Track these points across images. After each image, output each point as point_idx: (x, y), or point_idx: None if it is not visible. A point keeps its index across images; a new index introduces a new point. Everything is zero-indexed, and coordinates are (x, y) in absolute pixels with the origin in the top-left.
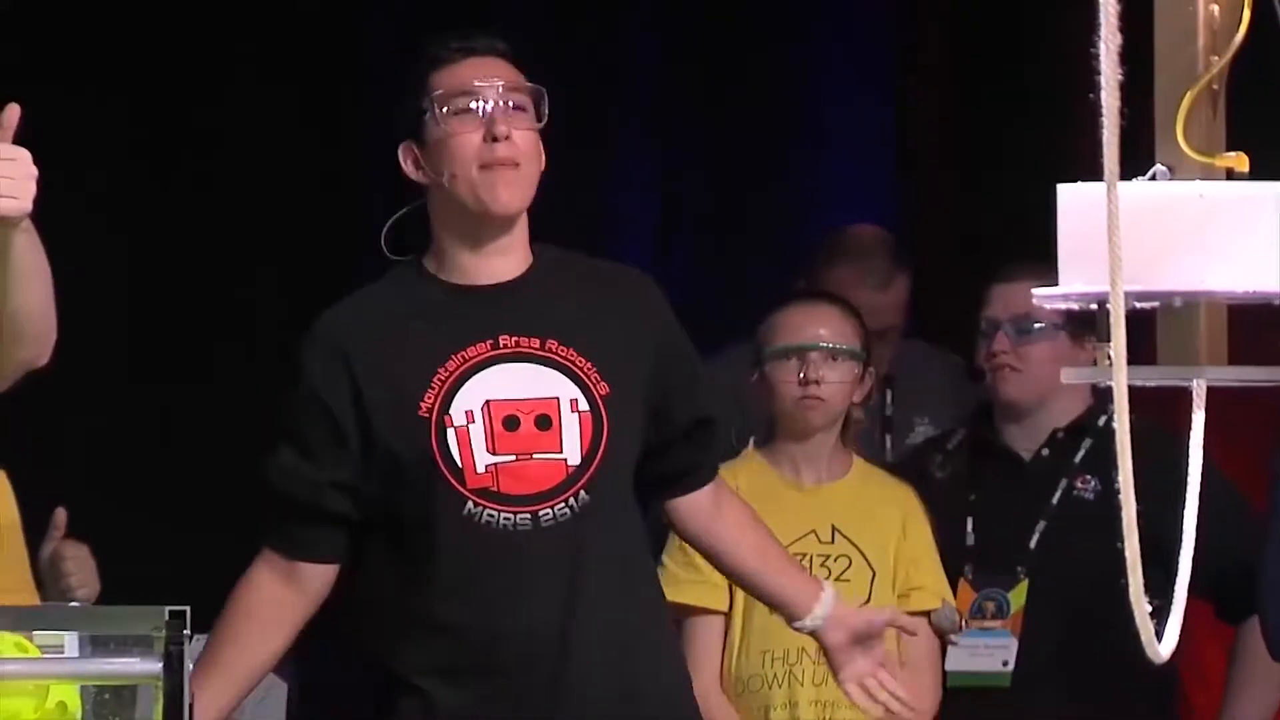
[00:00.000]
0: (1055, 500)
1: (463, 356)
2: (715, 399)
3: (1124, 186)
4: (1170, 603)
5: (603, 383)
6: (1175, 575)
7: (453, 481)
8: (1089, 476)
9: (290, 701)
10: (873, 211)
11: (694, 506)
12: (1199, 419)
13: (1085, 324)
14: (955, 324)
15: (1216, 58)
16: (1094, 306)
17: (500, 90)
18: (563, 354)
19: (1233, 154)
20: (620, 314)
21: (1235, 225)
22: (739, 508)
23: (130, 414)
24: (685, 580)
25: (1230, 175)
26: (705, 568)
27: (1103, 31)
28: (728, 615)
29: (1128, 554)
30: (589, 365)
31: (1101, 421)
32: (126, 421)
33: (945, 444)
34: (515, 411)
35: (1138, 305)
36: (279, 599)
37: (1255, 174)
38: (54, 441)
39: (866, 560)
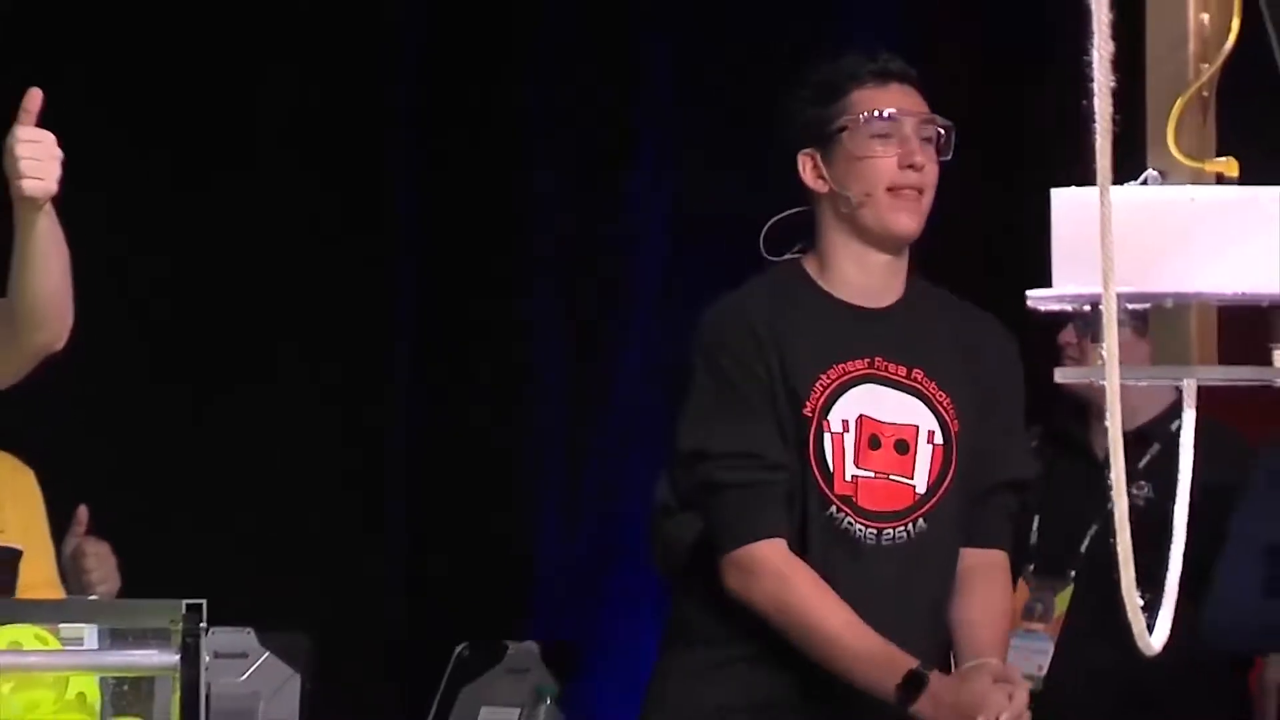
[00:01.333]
0: (1110, 506)
1: (843, 369)
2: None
3: (1116, 191)
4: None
5: (956, 420)
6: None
7: (822, 484)
8: (1144, 483)
9: (303, 693)
10: None
11: (965, 564)
12: (1189, 417)
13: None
14: None
15: (1206, 65)
16: (1088, 308)
17: (918, 122)
18: (928, 386)
19: (1222, 159)
20: (976, 357)
21: (1225, 229)
22: (998, 594)
23: (153, 415)
24: None
25: (1220, 180)
26: None
27: (1095, 40)
28: None
29: (1119, 550)
30: (948, 400)
31: (1174, 426)
32: (149, 422)
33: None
34: (879, 432)
35: (1130, 307)
36: None
37: (1244, 179)
38: (78, 442)
39: None
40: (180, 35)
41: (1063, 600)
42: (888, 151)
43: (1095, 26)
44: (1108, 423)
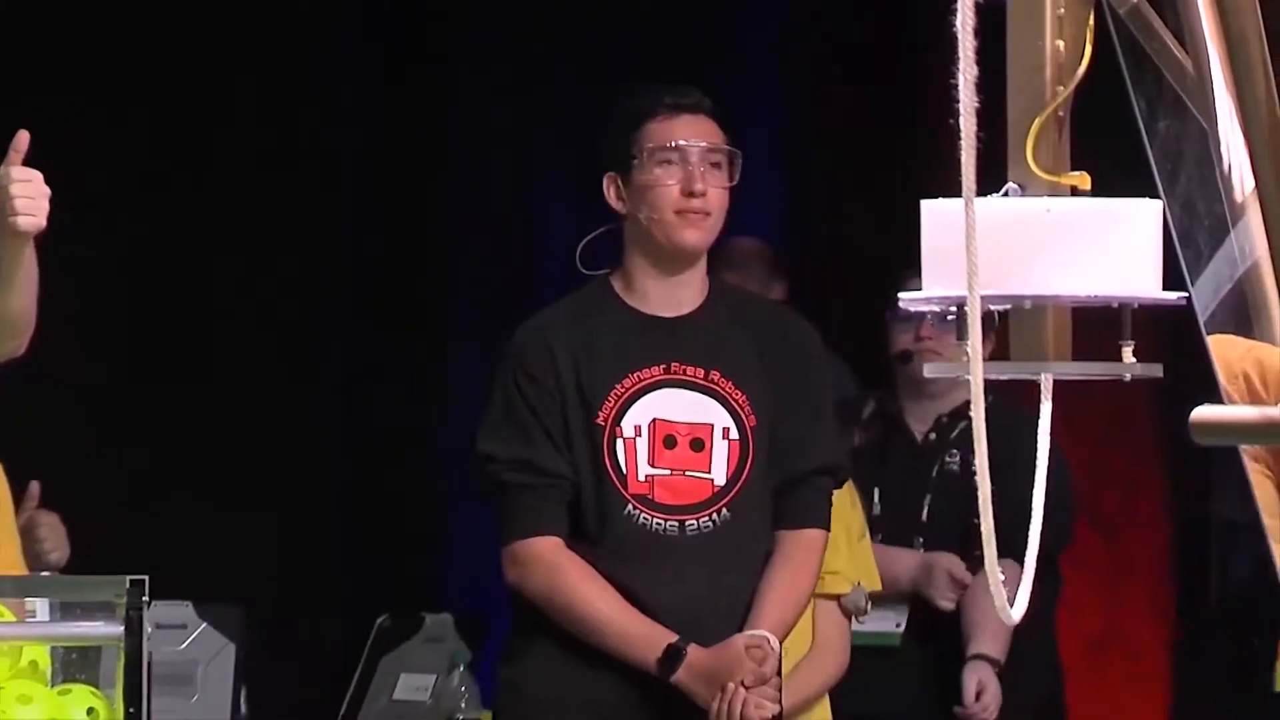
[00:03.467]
0: (934, 475)
1: (638, 377)
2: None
3: (980, 202)
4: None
5: (754, 415)
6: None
7: (616, 485)
8: (955, 451)
9: (238, 660)
10: (761, 223)
11: (775, 544)
12: (1046, 408)
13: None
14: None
15: (1062, 87)
16: (954, 309)
17: (703, 151)
18: (724, 385)
19: (1077, 173)
20: (775, 351)
21: (1079, 237)
22: (797, 571)
23: (101, 403)
24: None
25: (1074, 192)
26: None
27: (961, 64)
28: None
29: (983, 529)
30: (744, 397)
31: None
32: (111, 412)
33: (859, 414)
34: (674, 432)
35: (992, 308)
36: None
37: (1096, 190)
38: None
39: None
40: (147, 43)
41: None
42: (672, 178)
43: (961, 52)
44: (971, 413)
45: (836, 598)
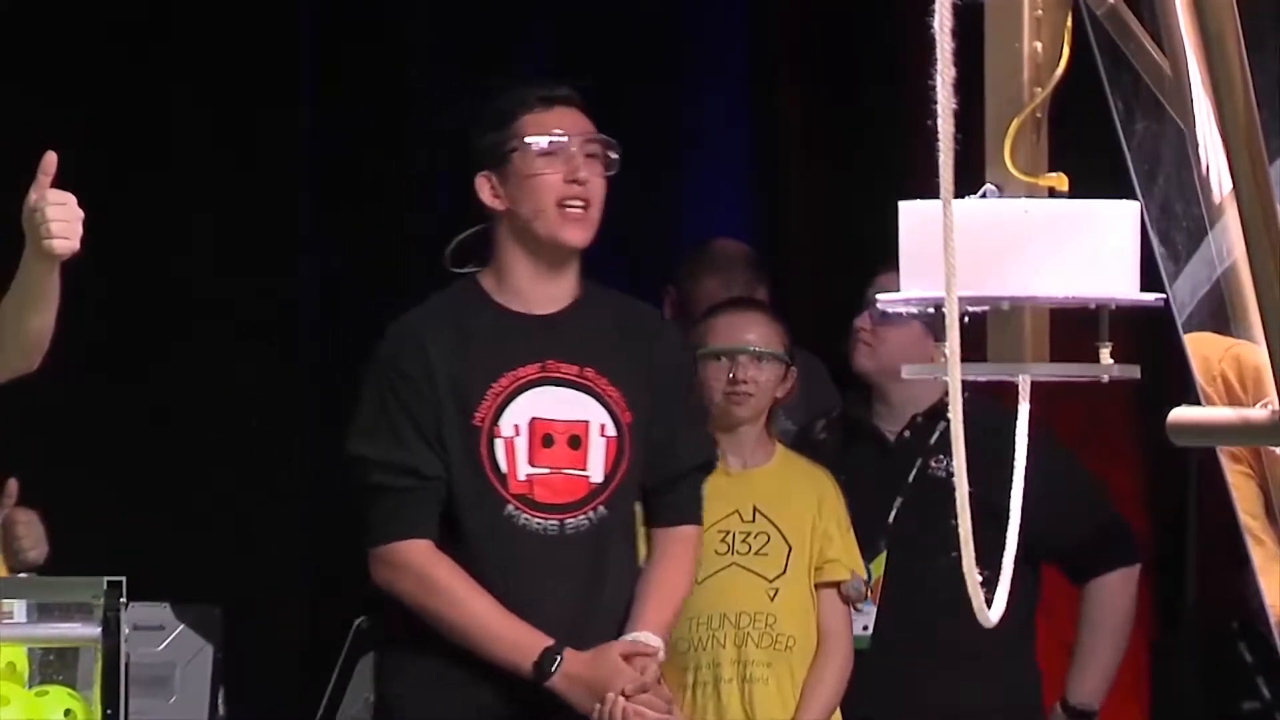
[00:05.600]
0: (911, 479)
1: (514, 376)
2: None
3: (958, 203)
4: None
5: (629, 411)
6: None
7: (497, 486)
8: (943, 456)
9: (216, 662)
10: (736, 222)
11: (652, 543)
12: (1024, 409)
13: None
14: (816, 327)
15: (1040, 89)
16: (932, 310)
17: (582, 140)
18: (599, 382)
19: (1054, 174)
20: (644, 350)
21: (1056, 238)
22: (677, 569)
23: (77, 403)
24: None
25: (1052, 193)
26: (638, 543)
27: (939, 65)
28: None
29: (961, 532)
30: (618, 394)
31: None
32: (75, 411)
33: (823, 422)
34: (551, 430)
35: (970, 309)
36: None
37: (1074, 192)
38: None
39: (783, 536)
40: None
41: (878, 567)
42: (554, 169)
43: (939, 54)
44: (949, 415)
45: (836, 585)
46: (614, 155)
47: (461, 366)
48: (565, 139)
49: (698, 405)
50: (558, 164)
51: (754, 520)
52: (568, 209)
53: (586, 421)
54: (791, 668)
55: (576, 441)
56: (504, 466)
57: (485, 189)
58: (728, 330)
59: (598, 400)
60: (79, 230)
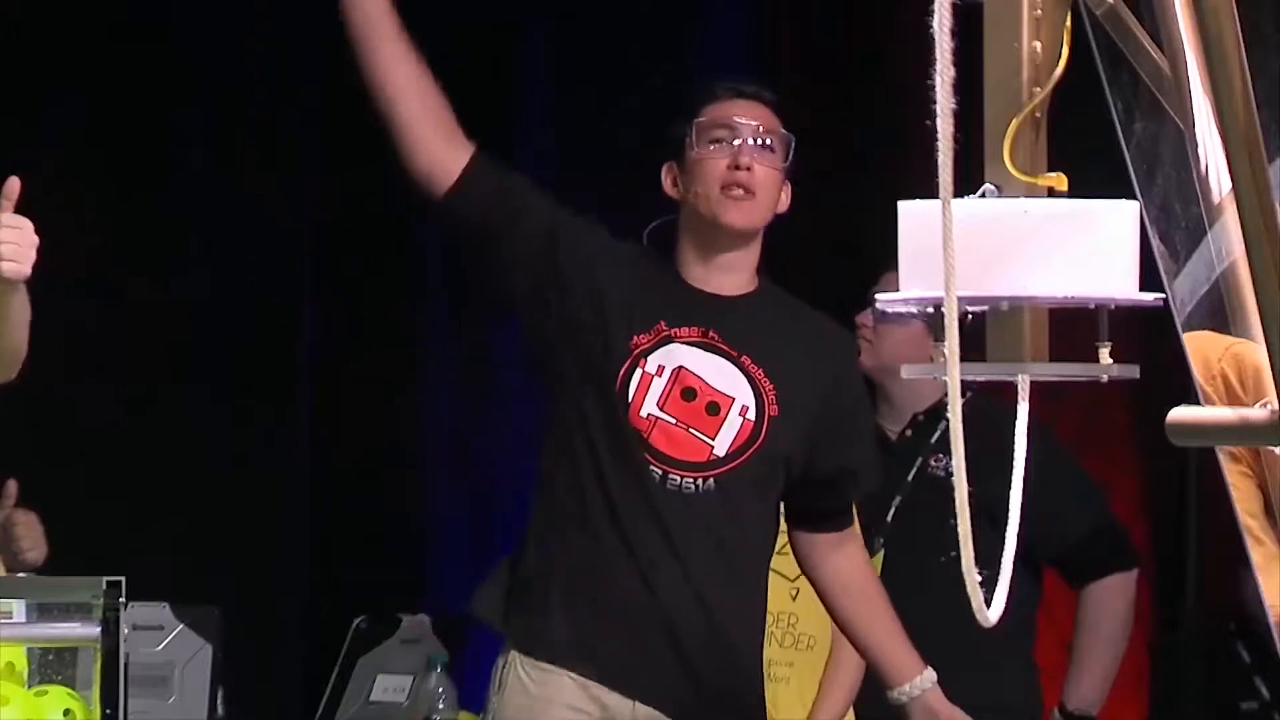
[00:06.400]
0: (911, 477)
1: (677, 331)
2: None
3: (957, 203)
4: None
5: (776, 405)
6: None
7: (619, 412)
8: (942, 455)
9: (215, 662)
10: None
11: (820, 549)
12: (1023, 409)
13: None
14: None
15: (1039, 89)
16: (931, 310)
17: (754, 129)
18: (755, 371)
19: (1053, 174)
20: (811, 356)
21: (1055, 237)
22: (857, 564)
23: (77, 409)
24: None
25: (1051, 193)
26: None
27: (938, 65)
28: None
29: (960, 531)
30: (771, 386)
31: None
32: (75, 416)
33: None
34: (696, 387)
35: (970, 309)
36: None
37: (1073, 191)
38: (12, 432)
39: None
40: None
41: (875, 565)
42: (721, 154)
43: (938, 53)
44: (947, 416)
45: None
46: (788, 149)
47: (637, 293)
48: (737, 125)
49: (869, 431)
50: (725, 149)
51: None
52: (729, 193)
53: (733, 397)
54: (813, 668)
55: (715, 408)
56: (631, 396)
57: (667, 179)
58: None
59: (749, 381)
60: (31, 256)
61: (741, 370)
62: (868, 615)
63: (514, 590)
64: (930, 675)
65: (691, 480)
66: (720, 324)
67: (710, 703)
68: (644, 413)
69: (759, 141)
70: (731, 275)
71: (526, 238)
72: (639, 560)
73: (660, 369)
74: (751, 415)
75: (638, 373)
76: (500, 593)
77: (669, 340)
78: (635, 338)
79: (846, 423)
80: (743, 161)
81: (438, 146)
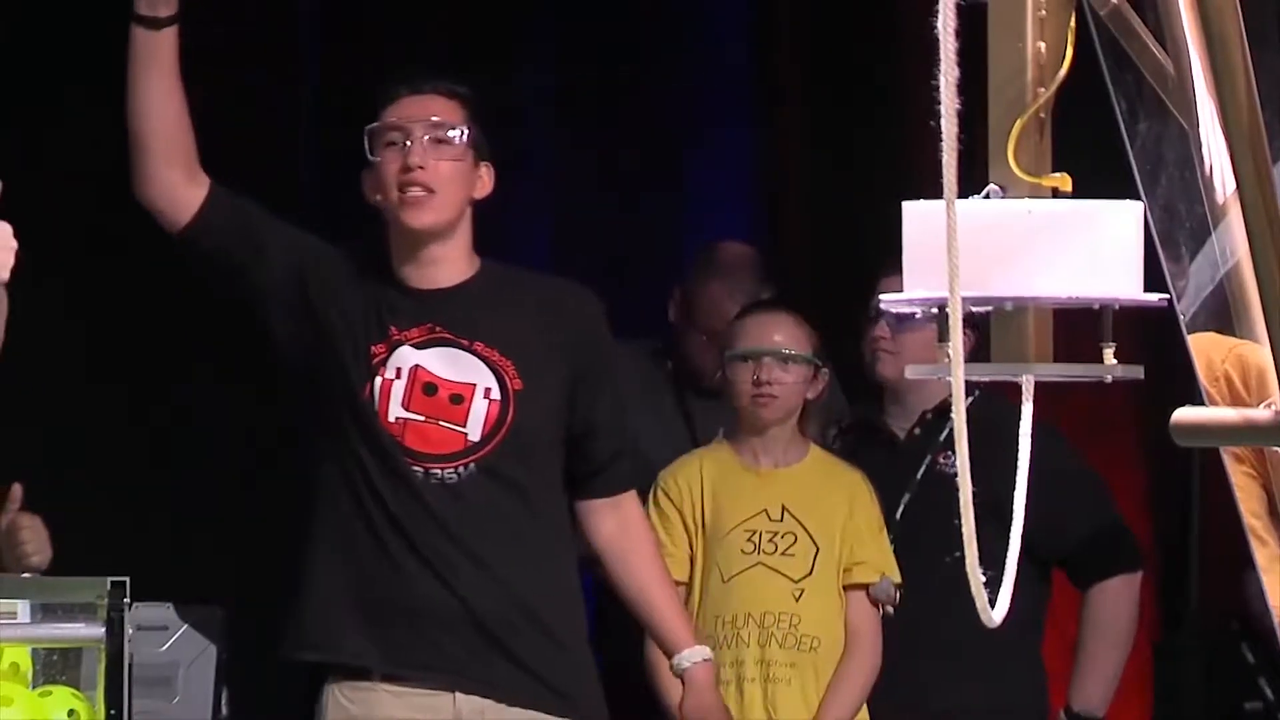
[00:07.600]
0: (920, 475)
1: (403, 335)
2: (622, 422)
3: (961, 204)
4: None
5: (519, 379)
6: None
7: (371, 421)
8: (950, 453)
9: (219, 662)
10: (736, 222)
11: (594, 516)
12: (1027, 409)
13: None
14: (816, 328)
15: (1043, 89)
16: (935, 310)
17: (426, 124)
18: (487, 353)
19: (1057, 175)
20: (544, 322)
21: (1060, 238)
22: (639, 536)
23: (84, 409)
24: None
25: (1055, 194)
26: (667, 542)
27: (943, 66)
28: (688, 584)
29: (964, 531)
30: (509, 363)
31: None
32: (81, 416)
33: (834, 431)
34: (435, 383)
35: (974, 309)
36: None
37: (1077, 192)
38: (18, 432)
39: (811, 537)
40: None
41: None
42: (393, 157)
43: (942, 53)
44: (952, 415)
45: (865, 587)
46: (463, 139)
47: (361, 299)
48: (405, 125)
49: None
50: (396, 151)
51: (782, 520)
52: (405, 194)
53: (473, 384)
54: (816, 669)
55: (459, 399)
56: (377, 404)
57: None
58: (754, 332)
59: (488, 365)
60: (9, 261)
61: (476, 355)
62: (639, 584)
63: (309, 615)
64: (702, 650)
65: (452, 470)
66: (442, 317)
67: (538, 679)
68: (392, 417)
69: (430, 137)
70: (443, 267)
71: (272, 269)
72: (430, 561)
73: (398, 372)
74: (496, 395)
75: (378, 380)
76: (298, 626)
77: (400, 344)
78: (372, 348)
79: (591, 380)
80: (412, 161)
81: (174, 184)
